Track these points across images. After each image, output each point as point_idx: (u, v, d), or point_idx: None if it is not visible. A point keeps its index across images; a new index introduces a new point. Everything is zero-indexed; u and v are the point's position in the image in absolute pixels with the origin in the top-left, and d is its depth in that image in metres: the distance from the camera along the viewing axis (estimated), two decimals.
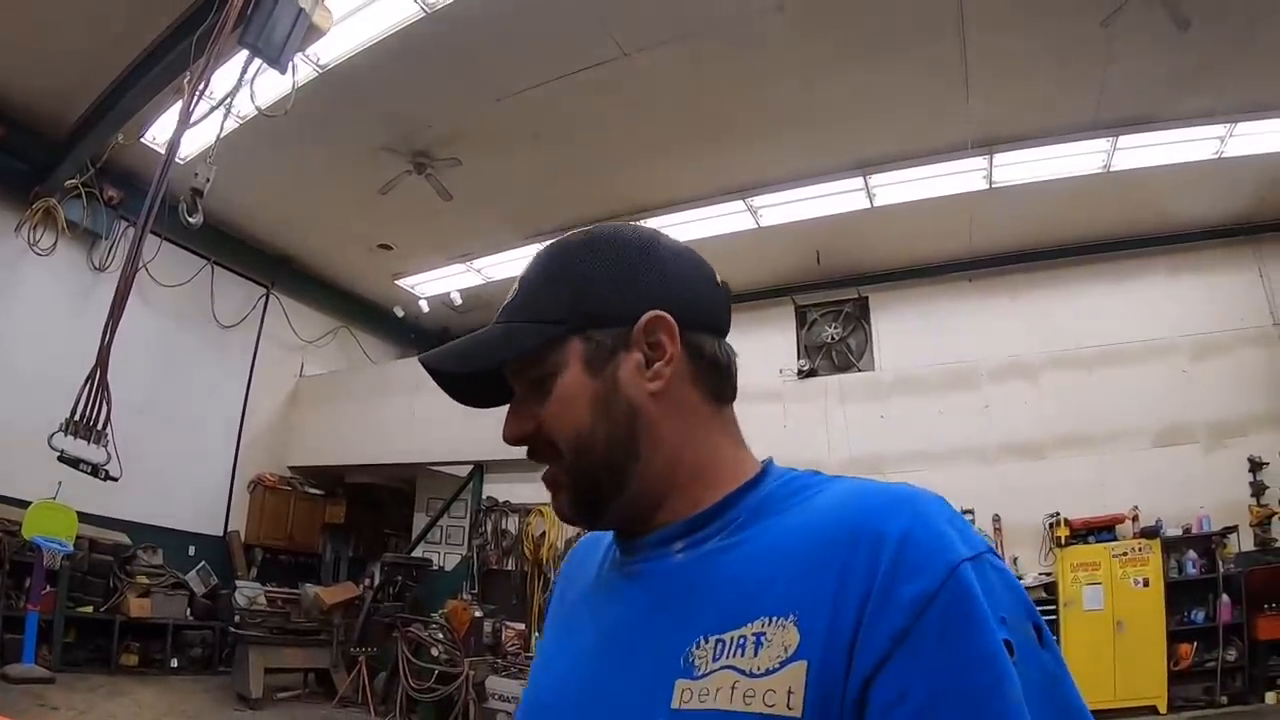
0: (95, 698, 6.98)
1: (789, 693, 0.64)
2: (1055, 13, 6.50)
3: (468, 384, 0.88)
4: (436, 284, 11.94)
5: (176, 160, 6.59)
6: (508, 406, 0.87)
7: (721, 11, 6.71)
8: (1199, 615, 8.05)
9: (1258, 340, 8.87)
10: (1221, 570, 8.07)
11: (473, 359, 0.84)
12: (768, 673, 0.65)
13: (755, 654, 0.67)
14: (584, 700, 0.77)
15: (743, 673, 0.67)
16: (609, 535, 0.92)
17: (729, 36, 6.95)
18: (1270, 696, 7.53)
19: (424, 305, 12.23)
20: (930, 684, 0.60)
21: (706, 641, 0.70)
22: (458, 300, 11.82)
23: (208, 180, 6.28)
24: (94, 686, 7.29)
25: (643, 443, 0.81)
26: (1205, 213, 9.06)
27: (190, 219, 6.34)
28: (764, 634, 0.67)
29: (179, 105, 6.36)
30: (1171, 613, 8.05)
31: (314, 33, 6.25)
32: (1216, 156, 8.10)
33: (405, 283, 12.02)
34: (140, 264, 6.49)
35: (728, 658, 0.68)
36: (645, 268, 0.83)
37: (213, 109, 6.37)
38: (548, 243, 0.89)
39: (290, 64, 6.17)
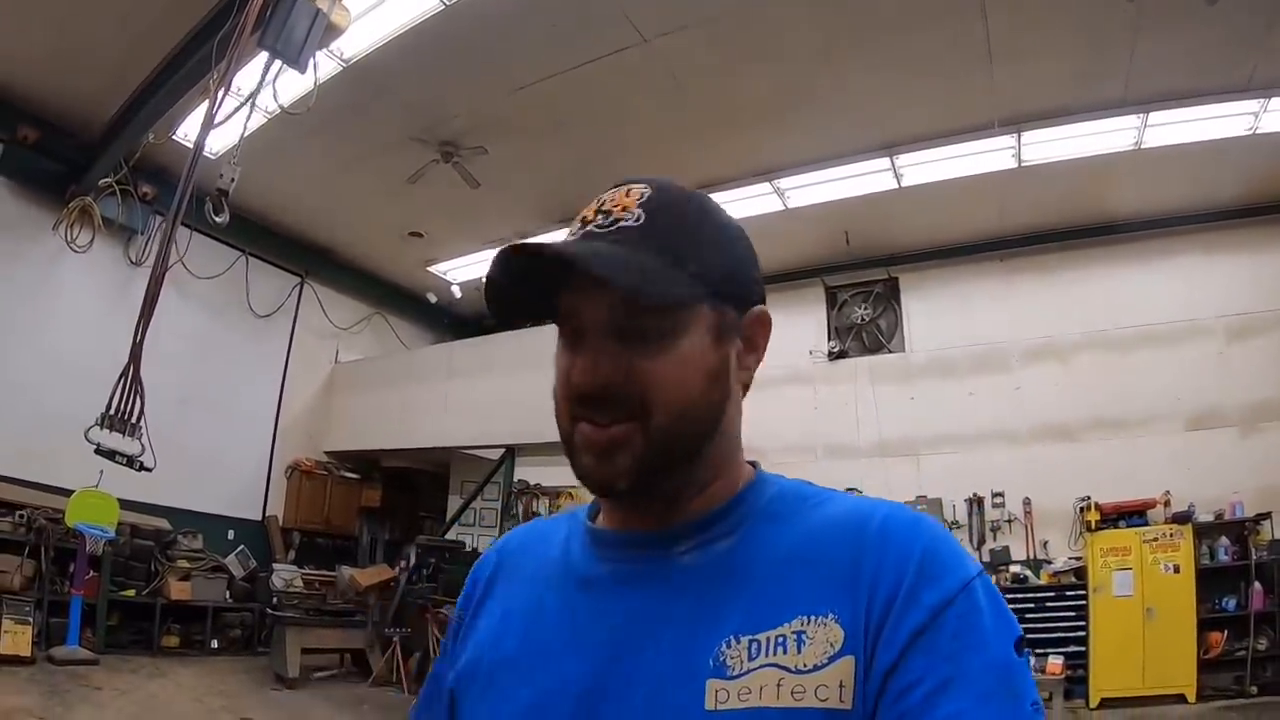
0: (138, 678, 7.25)
1: (840, 686, 0.67)
2: None
3: (531, 290, 0.81)
4: (468, 270, 12.01)
5: (207, 156, 6.74)
6: (590, 348, 0.78)
7: None
8: (1230, 603, 7.90)
9: None
10: (1254, 557, 7.89)
11: (647, 282, 0.74)
12: (816, 668, 0.68)
13: (799, 651, 0.69)
14: (590, 708, 0.74)
15: (788, 669, 0.69)
16: (562, 529, 0.93)
17: (749, 18, 6.86)
18: None
19: (456, 291, 12.32)
20: (942, 672, 0.65)
21: (738, 641, 0.71)
22: None
23: (232, 180, 6.40)
24: (136, 668, 7.56)
25: (720, 429, 0.82)
26: (1242, 189, 8.76)
27: (217, 218, 6.48)
28: (804, 632, 0.70)
29: (205, 106, 6.49)
30: (1202, 600, 7.89)
31: (332, 32, 6.32)
32: (1251, 132, 7.85)
33: (437, 269, 12.13)
34: (170, 264, 6.63)
35: (767, 656, 0.70)
36: (756, 263, 0.86)
37: (237, 109, 6.48)
38: (673, 186, 0.83)
39: (310, 62, 6.25)
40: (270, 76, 6.36)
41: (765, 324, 0.85)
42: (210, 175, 6.71)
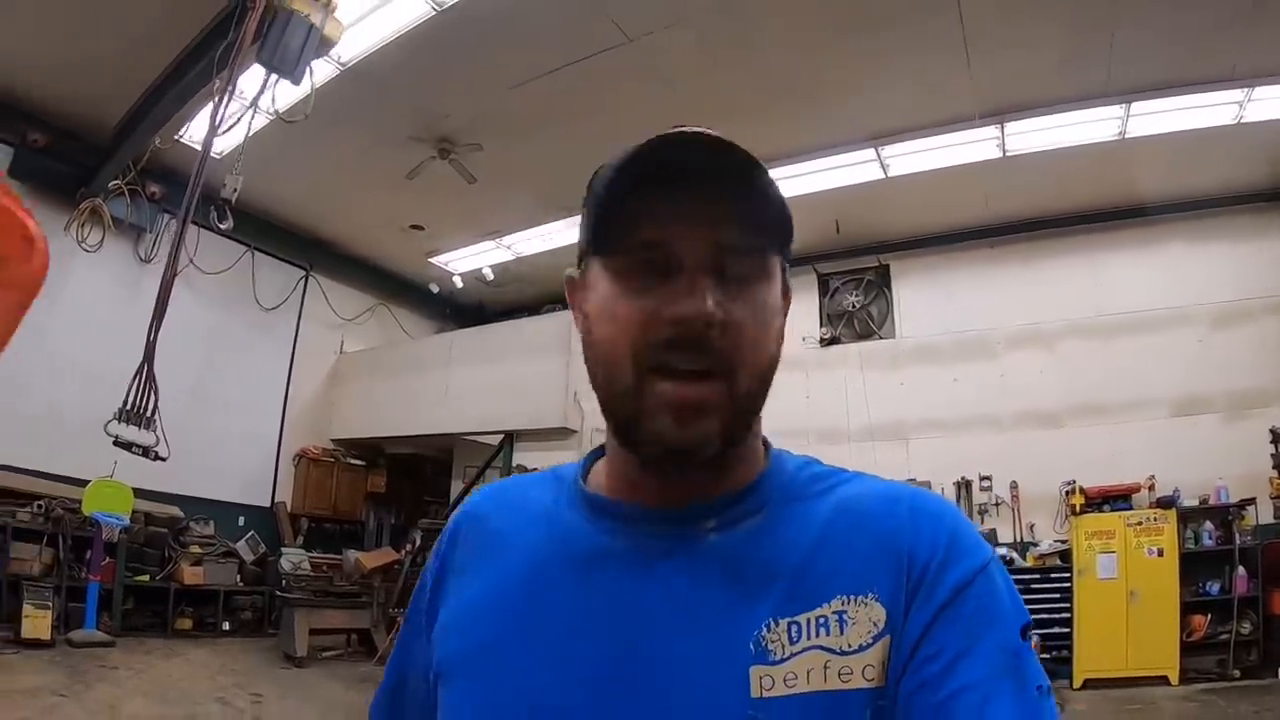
0: (152, 659, 7.54)
1: (881, 665, 0.67)
2: None
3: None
4: (468, 260, 12.23)
5: (213, 157, 7.00)
6: (689, 280, 0.70)
7: None
8: (1214, 587, 7.96)
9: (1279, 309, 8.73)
10: (1238, 542, 7.95)
11: (769, 208, 0.72)
12: (861, 649, 0.67)
13: (842, 632, 0.68)
14: (612, 697, 0.69)
15: (833, 651, 0.67)
16: (545, 493, 0.85)
17: (730, 14, 6.98)
18: None
19: (458, 281, 12.60)
20: (960, 645, 0.66)
21: (777, 624, 0.68)
22: (490, 275, 12.15)
23: (235, 191, 6.66)
24: (151, 649, 7.88)
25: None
26: (1227, 179, 8.88)
27: (221, 225, 6.73)
28: (845, 612, 0.68)
29: (209, 110, 6.74)
30: (1186, 584, 7.94)
31: (326, 44, 6.55)
32: (1236, 122, 7.90)
33: (438, 260, 12.33)
34: (180, 268, 6.90)
35: (810, 638, 0.68)
36: None
37: (238, 119, 6.72)
38: (724, 137, 0.73)
39: (306, 72, 6.49)
40: (269, 85, 6.61)
41: (789, 290, 0.81)
42: (217, 175, 6.93)
